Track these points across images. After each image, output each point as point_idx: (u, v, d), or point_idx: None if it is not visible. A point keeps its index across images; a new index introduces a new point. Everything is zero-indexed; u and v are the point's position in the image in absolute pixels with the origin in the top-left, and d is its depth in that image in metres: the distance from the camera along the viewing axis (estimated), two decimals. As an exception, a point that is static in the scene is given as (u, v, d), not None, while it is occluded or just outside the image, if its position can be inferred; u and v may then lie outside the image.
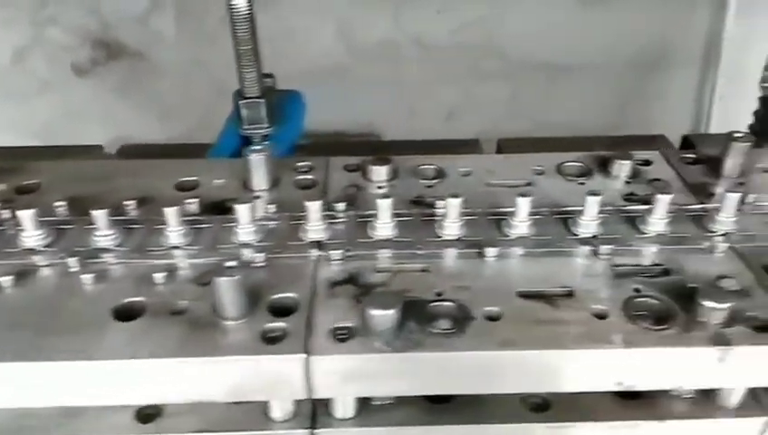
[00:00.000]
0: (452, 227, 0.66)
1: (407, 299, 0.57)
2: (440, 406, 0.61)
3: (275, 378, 0.54)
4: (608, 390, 0.56)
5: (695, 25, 1.70)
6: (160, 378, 0.54)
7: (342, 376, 0.54)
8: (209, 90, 1.58)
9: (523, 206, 0.65)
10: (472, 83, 2.23)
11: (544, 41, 2.06)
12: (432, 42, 2.06)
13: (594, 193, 0.65)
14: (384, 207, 0.65)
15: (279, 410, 0.59)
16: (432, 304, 0.58)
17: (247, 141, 1.08)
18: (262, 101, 1.04)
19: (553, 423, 0.60)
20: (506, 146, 1.58)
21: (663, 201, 0.65)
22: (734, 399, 0.60)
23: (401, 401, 0.61)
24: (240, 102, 1.04)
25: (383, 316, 0.54)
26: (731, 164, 0.75)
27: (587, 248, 0.65)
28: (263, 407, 0.60)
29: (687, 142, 1.22)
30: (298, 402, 0.60)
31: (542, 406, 0.61)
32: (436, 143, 1.88)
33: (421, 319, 0.57)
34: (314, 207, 0.64)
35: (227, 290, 0.54)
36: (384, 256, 0.65)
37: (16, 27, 1.60)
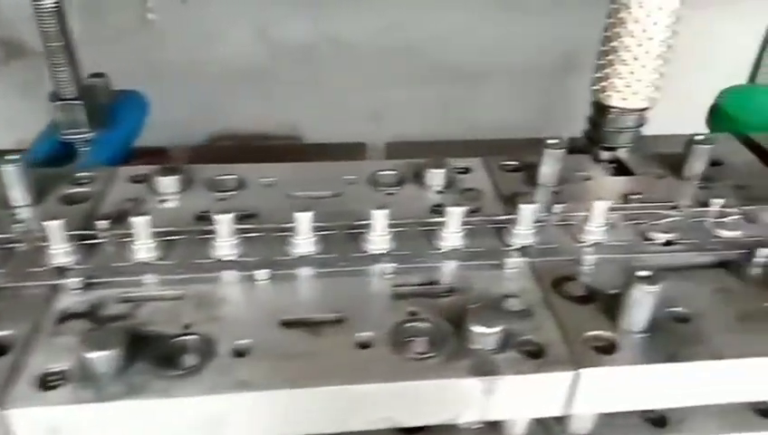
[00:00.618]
0: (224, 247, 0.59)
1: (138, 335, 0.50)
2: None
3: (-37, 436, 0.46)
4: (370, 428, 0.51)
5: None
6: None
7: (50, 431, 0.46)
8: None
9: (304, 221, 0.59)
10: (396, 86, 2.19)
11: (467, 44, 2.03)
12: (353, 44, 2.01)
13: (381, 207, 0.60)
14: (140, 225, 0.57)
15: (-11, 471, 0.50)
16: (172, 339, 0.51)
17: (68, 147, 0.99)
18: (79, 103, 0.95)
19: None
20: (394, 150, 1.53)
21: (454, 214, 0.60)
22: (519, 429, 0.56)
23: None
24: (55, 105, 0.94)
25: (99, 358, 0.47)
26: (546, 171, 0.71)
27: (373, 267, 0.60)
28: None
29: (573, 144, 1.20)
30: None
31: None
32: (325, 147, 1.81)
33: (156, 358, 0.50)
34: (54, 228, 0.55)
35: None
36: (140, 282, 0.57)
37: None
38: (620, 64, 0.75)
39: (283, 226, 0.61)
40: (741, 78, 2.43)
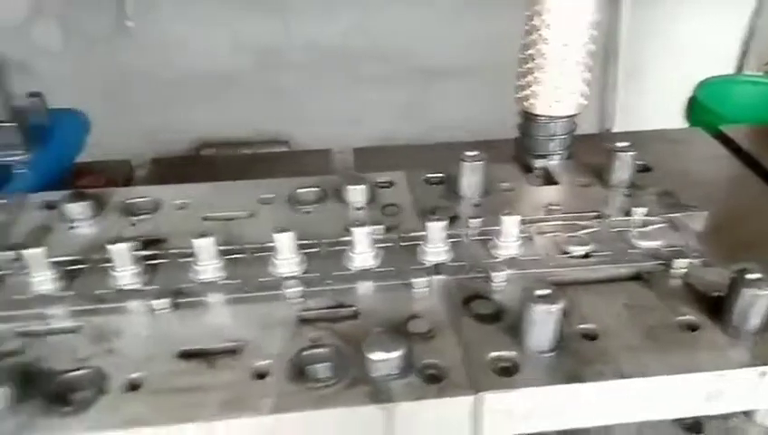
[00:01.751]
0: (123, 277, 0.57)
1: (30, 372, 0.48)
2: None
3: None
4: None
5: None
6: None
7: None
8: (101, 102, 1.41)
9: (204, 248, 0.58)
10: (369, 88, 2.17)
11: (428, 44, 2.00)
12: (322, 48, 1.97)
13: (282, 230, 0.58)
14: (35, 258, 0.55)
15: None
16: (63, 375, 0.50)
17: (3, 170, 0.97)
18: (11, 125, 0.93)
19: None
20: (361, 156, 1.52)
21: (360, 234, 0.59)
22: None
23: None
24: (-16, 128, 0.92)
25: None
26: (466, 184, 0.70)
27: (280, 292, 0.58)
28: None
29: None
30: None
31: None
32: (290, 155, 1.77)
33: (47, 395, 0.48)
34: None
35: None
36: (36, 316, 0.55)
37: None
38: (539, 72, 0.74)
39: (187, 251, 0.60)
40: (729, 68, 2.40)
